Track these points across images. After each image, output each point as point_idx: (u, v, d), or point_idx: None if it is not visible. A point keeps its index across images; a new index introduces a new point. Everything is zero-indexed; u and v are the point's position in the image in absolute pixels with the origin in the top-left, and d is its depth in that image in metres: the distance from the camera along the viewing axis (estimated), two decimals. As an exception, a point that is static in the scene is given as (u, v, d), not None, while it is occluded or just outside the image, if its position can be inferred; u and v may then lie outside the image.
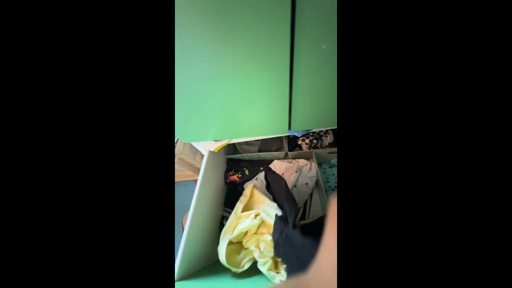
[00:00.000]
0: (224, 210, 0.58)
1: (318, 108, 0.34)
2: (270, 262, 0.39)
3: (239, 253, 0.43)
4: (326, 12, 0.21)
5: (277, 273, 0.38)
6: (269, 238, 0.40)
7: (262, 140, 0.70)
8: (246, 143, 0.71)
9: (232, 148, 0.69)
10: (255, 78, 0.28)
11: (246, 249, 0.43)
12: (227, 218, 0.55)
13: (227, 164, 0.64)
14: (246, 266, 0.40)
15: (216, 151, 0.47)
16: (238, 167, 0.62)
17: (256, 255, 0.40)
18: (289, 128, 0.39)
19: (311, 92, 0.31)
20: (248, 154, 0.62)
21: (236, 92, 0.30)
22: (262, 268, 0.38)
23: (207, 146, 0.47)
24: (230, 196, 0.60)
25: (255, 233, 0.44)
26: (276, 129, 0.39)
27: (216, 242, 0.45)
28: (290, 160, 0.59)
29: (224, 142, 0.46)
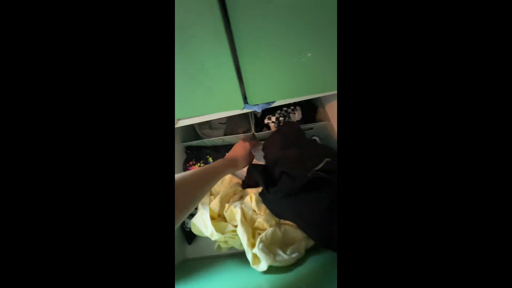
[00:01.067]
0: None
1: (276, 77, 0.28)
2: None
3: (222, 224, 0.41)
4: None
5: (253, 244, 0.35)
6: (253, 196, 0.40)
7: (228, 122, 0.62)
8: (210, 126, 0.62)
9: (192, 133, 0.60)
10: (190, 50, 0.22)
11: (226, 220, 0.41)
12: (192, 214, 0.49)
13: (186, 153, 0.55)
14: (228, 234, 0.39)
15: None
16: (201, 155, 0.55)
17: (238, 216, 0.38)
18: (246, 102, 0.32)
19: (262, 59, 0.24)
20: (211, 139, 0.55)
21: (181, 67, 0.24)
22: (241, 234, 0.36)
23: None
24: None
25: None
26: (230, 104, 0.32)
27: (177, 240, 0.44)
28: (259, 142, 0.53)
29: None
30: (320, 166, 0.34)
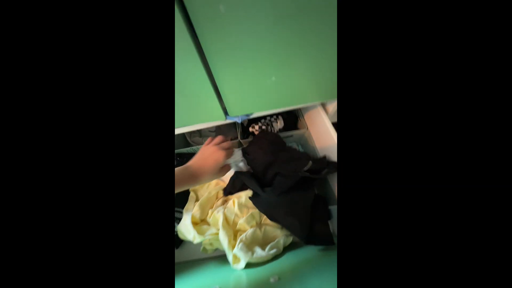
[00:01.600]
0: (175, 210, 0.53)
1: (250, 92, 0.32)
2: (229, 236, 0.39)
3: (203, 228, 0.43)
4: None
5: (234, 245, 0.37)
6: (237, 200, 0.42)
7: (217, 130, 0.66)
8: (200, 135, 0.66)
9: (182, 141, 0.63)
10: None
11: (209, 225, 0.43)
12: (178, 219, 0.51)
13: (176, 159, 0.58)
14: (208, 236, 0.41)
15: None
16: (190, 161, 0.58)
17: (220, 221, 0.39)
18: (227, 114, 0.36)
19: (235, 79, 0.29)
20: (200, 146, 0.58)
21: None
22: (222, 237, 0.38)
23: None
24: (181, 195, 0.55)
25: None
26: (212, 116, 0.36)
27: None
28: (234, 147, 0.57)
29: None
30: (307, 166, 0.38)
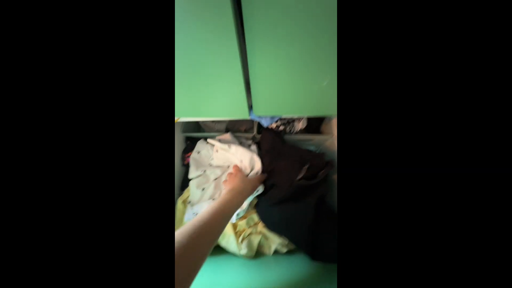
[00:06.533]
0: (181, 194, 0.52)
1: (285, 95, 0.27)
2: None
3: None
4: None
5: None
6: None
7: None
8: (212, 120, 0.62)
9: (193, 125, 0.60)
10: (205, 55, 0.22)
11: None
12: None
13: (186, 143, 0.56)
14: None
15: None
16: (199, 147, 0.55)
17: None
18: (251, 112, 0.32)
19: (272, 75, 0.24)
20: (212, 133, 0.55)
21: (189, 68, 0.24)
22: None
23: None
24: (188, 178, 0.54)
25: None
26: (235, 112, 0.32)
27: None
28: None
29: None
30: (301, 174, 0.36)
